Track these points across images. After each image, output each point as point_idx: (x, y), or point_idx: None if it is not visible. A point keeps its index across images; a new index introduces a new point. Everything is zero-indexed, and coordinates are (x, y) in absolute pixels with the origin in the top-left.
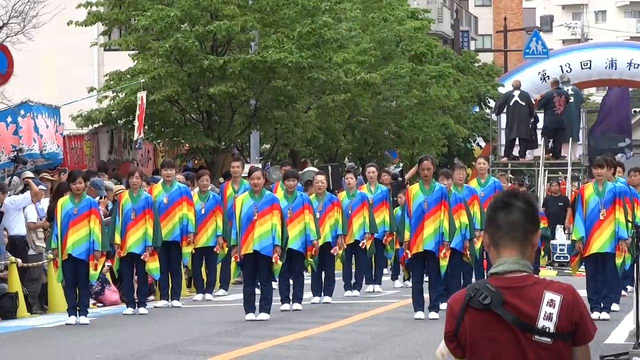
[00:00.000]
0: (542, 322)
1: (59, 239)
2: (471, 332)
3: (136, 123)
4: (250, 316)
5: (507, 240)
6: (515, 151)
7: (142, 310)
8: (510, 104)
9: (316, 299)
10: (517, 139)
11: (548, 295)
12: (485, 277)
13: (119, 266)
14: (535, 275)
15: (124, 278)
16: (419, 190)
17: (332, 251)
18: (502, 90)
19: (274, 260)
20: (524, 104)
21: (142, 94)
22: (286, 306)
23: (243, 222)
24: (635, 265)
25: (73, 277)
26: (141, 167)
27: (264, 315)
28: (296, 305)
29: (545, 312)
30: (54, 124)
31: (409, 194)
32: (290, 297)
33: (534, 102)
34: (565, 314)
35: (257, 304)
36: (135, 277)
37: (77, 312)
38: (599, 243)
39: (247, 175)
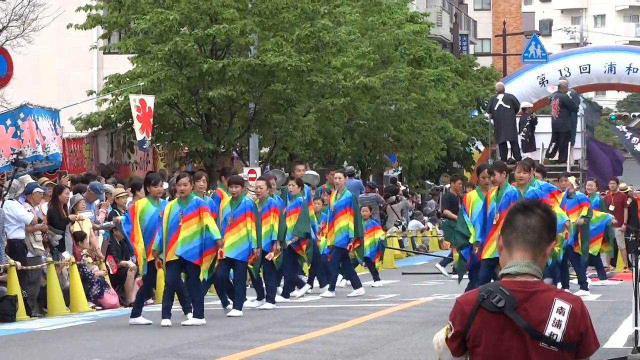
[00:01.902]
0: (550, 329)
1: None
2: (479, 334)
3: (138, 124)
4: (166, 322)
5: (521, 243)
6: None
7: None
8: (495, 108)
9: (255, 304)
10: (507, 142)
11: (558, 303)
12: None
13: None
14: (546, 283)
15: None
16: (492, 196)
17: (266, 257)
18: None
19: (196, 263)
20: (508, 107)
21: (144, 98)
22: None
23: (169, 228)
24: (634, 271)
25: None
26: (140, 171)
27: (194, 321)
28: (235, 312)
29: (555, 319)
30: (53, 126)
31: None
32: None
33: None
34: (572, 324)
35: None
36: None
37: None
38: (493, 249)
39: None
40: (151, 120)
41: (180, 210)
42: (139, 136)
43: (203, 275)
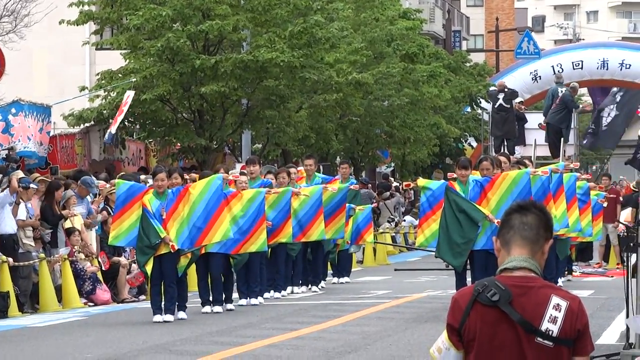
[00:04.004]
0: (546, 325)
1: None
2: (475, 328)
3: (119, 117)
4: (158, 318)
5: (518, 239)
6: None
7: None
8: (496, 105)
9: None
10: (503, 139)
11: (555, 299)
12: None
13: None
14: (543, 280)
15: (200, 279)
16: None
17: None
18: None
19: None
20: (508, 106)
21: (130, 93)
22: (207, 309)
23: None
24: (625, 268)
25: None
26: (132, 167)
27: (181, 314)
28: (216, 308)
29: (551, 315)
30: (41, 122)
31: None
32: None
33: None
34: (569, 320)
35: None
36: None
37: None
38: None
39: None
40: (118, 118)
41: (161, 205)
42: (113, 129)
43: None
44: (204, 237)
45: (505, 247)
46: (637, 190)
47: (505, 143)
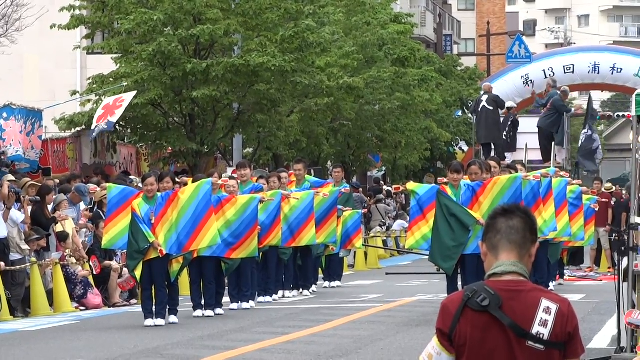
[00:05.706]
0: (536, 328)
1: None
2: (465, 333)
3: (101, 111)
4: (149, 322)
5: (505, 244)
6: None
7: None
8: (479, 109)
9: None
10: (491, 143)
11: (545, 303)
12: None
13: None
14: (532, 283)
15: (193, 282)
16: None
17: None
18: None
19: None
20: (491, 108)
21: (132, 94)
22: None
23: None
24: (617, 272)
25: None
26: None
27: (173, 318)
28: (208, 312)
29: (541, 318)
30: (32, 126)
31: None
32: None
33: (515, 106)
34: (560, 323)
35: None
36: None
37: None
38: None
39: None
40: (117, 111)
41: (150, 209)
42: (114, 118)
43: (172, 277)
44: (192, 242)
45: (493, 251)
46: (611, 193)
47: (494, 147)
